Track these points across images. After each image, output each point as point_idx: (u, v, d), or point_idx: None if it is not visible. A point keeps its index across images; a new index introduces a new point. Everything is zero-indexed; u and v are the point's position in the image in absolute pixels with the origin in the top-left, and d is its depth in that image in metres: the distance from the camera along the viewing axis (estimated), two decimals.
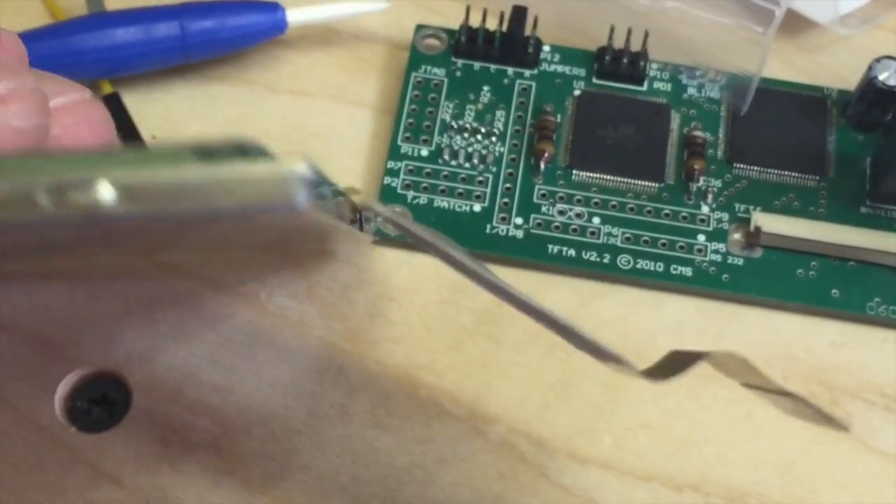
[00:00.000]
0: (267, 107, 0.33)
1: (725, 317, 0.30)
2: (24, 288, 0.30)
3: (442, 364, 0.29)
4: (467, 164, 0.32)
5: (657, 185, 0.32)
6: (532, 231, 0.31)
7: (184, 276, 0.30)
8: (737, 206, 0.31)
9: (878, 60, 0.31)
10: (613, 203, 0.31)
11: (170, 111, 0.33)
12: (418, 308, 0.30)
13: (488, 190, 0.32)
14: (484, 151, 0.32)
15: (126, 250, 0.28)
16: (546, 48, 0.34)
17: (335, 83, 0.34)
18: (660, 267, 0.31)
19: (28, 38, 0.32)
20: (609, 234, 0.31)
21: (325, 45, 0.35)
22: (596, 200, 0.31)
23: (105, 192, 0.16)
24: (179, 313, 0.30)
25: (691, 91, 0.33)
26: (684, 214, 0.31)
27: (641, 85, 0.33)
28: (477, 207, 0.31)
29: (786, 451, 0.28)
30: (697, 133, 0.32)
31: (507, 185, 0.32)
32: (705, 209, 0.31)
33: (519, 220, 0.31)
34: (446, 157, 0.32)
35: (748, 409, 0.29)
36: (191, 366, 0.29)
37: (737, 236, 0.31)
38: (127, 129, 0.32)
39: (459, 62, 0.34)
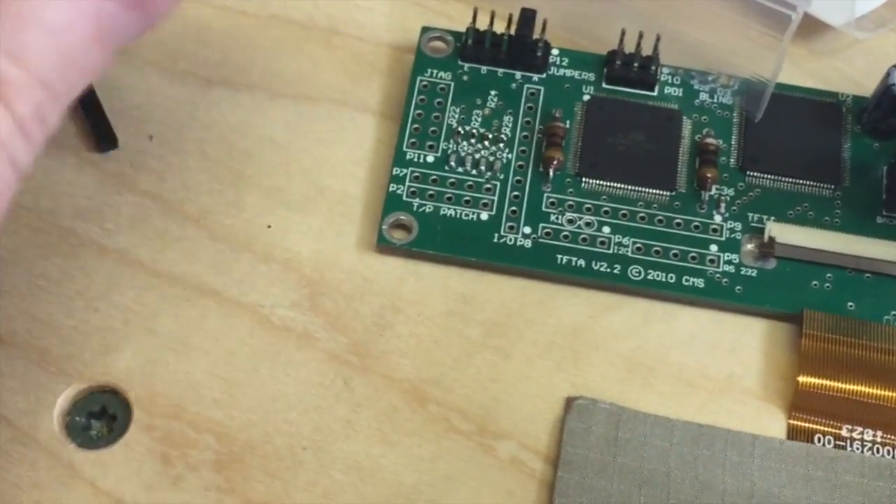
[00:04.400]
0: (270, 112, 0.32)
1: (739, 329, 0.30)
2: (22, 299, 0.29)
3: (449, 378, 0.29)
4: (474, 171, 0.31)
5: (668, 193, 0.31)
6: (541, 240, 0.30)
7: (185, 287, 0.30)
8: (750, 215, 0.31)
9: (895, 67, 0.31)
10: (624, 212, 0.31)
11: (171, 116, 0.32)
12: (425, 320, 0.30)
13: (496, 198, 0.31)
14: (491, 158, 0.31)
15: None
16: (555, 52, 0.33)
17: (339, 87, 0.33)
18: (671, 278, 0.30)
19: None
20: (619, 244, 0.30)
21: (329, 48, 0.34)
22: (606, 209, 0.31)
23: None
24: (180, 326, 0.29)
25: (703, 97, 0.33)
26: (696, 224, 0.31)
27: (652, 90, 0.33)
28: (484, 216, 0.31)
29: None
30: (710, 140, 0.32)
31: (515, 192, 0.31)
32: (718, 218, 0.31)
33: (527, 230, 0.30)
34: (453, 163, 0.31)
35: None
36: (192, 380, 0.28)
37: (750, 247, 0.30)
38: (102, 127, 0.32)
39: (466, 66, 0.33)
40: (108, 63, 0.22)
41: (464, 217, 0.31)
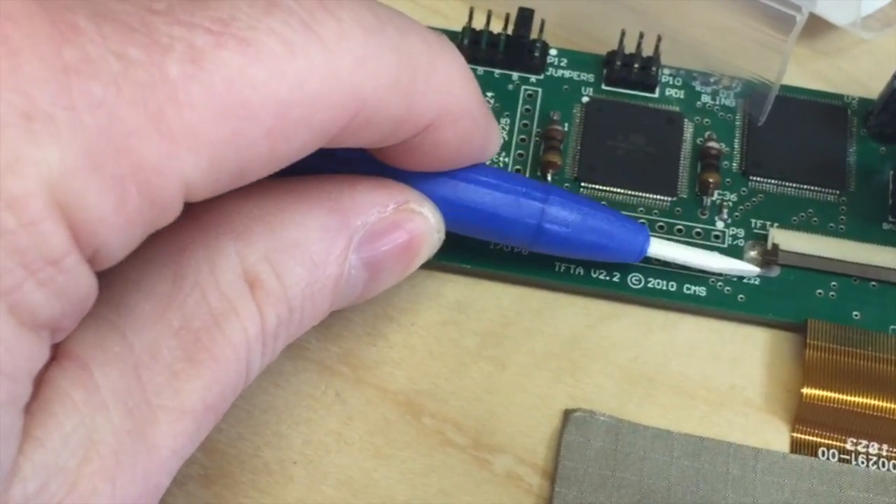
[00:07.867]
0: None
1: (741, 339, 0.29)
2: None
3: (444, 389, 0.28)
4: None
5: (669, 199, 0.30)
6: None
7: None
8: (753, 221, 0.30)
9: None
10: None
11: None
12: (419, 329, 0.29)
13: None
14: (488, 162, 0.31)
15: None
16: (553, 52, 0.32)
17: None
18: (672, 286, 0.29)
19: None
20: None
21: None
22: None
23: None
24: None
25: (705, 99, 0.32)
26: (698, 230, 0.30)
27: (653, 92, 0.32)
28: None
29: None
30: (712, 144, 0.31)
31: None
32: (720, 225, 0.30)
33: None
34: None
35: None
36: None
37: (753, 254, 0.30)
38: None
39: None
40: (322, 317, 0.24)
41: None
